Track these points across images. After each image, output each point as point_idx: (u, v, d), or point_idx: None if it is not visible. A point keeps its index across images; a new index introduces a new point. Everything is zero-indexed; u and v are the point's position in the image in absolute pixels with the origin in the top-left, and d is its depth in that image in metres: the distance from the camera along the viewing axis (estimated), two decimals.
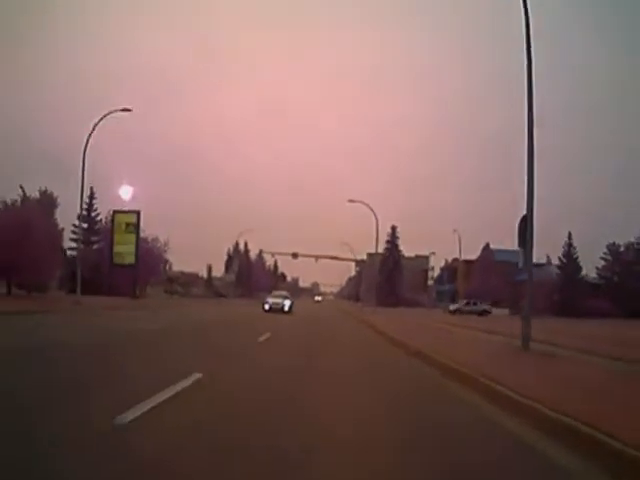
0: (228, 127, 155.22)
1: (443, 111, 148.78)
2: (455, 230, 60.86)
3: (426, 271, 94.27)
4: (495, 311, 65.86)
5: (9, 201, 33.37)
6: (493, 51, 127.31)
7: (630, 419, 4.52)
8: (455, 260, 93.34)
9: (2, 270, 31.70)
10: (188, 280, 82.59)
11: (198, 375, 6.58)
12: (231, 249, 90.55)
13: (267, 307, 33.65)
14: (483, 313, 54.83)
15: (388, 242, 72.77)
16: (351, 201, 43.04)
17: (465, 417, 5.44)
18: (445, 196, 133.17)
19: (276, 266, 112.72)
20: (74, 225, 38.25)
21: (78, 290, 26.45)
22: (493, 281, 74.05)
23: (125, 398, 4.99)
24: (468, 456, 4.02)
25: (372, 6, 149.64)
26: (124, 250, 36.25)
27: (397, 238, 73.48)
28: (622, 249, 68.28)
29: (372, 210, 42.32)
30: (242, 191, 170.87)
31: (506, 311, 64.11)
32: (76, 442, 3.66)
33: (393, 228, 73.78)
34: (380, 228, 41.91)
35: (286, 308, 33.68)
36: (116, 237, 34.91)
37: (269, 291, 52.63)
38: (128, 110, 27.25)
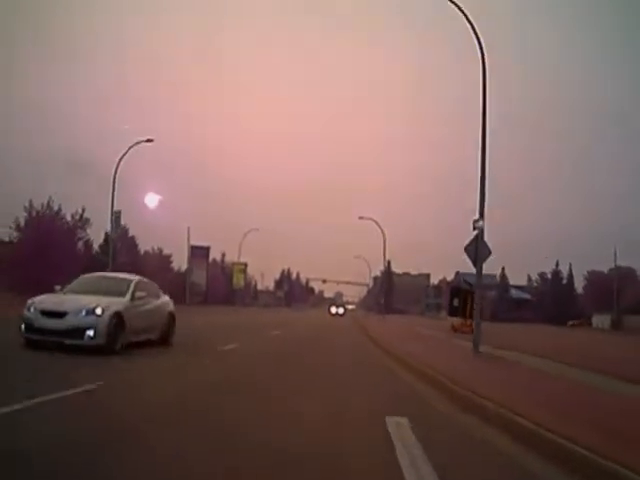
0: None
1: None
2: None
3: (426, 287, 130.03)
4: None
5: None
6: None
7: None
8: (441, 281, 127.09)
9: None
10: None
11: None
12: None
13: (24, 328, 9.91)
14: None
15: (384, 272, 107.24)
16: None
17: (353, 326, 38.53)
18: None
19: (307, 283, 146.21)
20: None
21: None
22: None
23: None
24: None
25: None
26: (239, 282, 70.41)
27: (390, 269, 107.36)
28: (548, 275, 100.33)
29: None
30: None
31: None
32: None
33: (388, 262, 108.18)
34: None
35: (90, 332, 9.54)
36: (235, 275, 68.95)
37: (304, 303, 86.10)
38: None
